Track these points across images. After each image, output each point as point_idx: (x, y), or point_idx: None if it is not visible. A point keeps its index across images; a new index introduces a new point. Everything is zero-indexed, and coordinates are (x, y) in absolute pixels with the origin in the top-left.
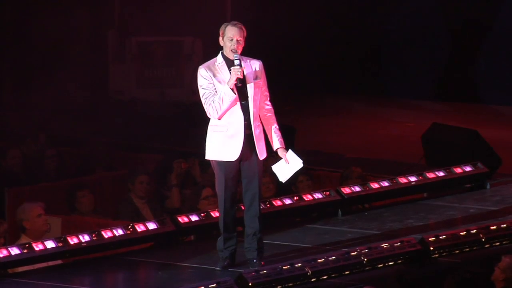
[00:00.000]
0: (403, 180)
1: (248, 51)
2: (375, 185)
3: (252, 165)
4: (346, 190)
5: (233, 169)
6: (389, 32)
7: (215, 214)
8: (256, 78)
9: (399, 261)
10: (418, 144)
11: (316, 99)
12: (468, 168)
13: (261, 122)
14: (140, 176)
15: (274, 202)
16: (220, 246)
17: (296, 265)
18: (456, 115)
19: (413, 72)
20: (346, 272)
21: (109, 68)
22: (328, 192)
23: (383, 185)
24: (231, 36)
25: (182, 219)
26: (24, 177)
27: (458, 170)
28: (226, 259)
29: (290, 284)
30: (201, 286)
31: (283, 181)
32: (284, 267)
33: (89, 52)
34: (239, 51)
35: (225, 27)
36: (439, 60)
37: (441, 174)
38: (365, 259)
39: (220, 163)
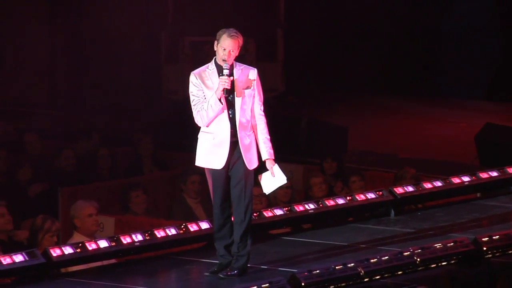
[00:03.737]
0: (456, 180)
1: (299, 51)
2: (428, 185)
3: (238, 174)
4: (399, 190)
5: (221, 177)
6: (443, 32)
7: (267, 214)
8: (247, 87)
9: (452, 261)
10: (471, 144)
11: (370, 99)
12: None
13: (254, 131)
14: (192, 176)
15: (327, 202)
16: (218, 251)
17: (349, 265)
18: (510, 115)
19: (467, 72)
20: (399, 272)
21: (162, 68)
22: (381, 192)
23: (436, 185)
24: (224, 47)
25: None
26: (77, 177)
27: None
28: (218, 265)
29: (343, 284)
30: (254, 286)
31: (267, 193)
32: (336, 267)
33: (142, 52)
34: (231, 61)
35: (221, 35)
36: (493, 60)
37: (495, 174)
38: (418, 259)
39: (209, 170)
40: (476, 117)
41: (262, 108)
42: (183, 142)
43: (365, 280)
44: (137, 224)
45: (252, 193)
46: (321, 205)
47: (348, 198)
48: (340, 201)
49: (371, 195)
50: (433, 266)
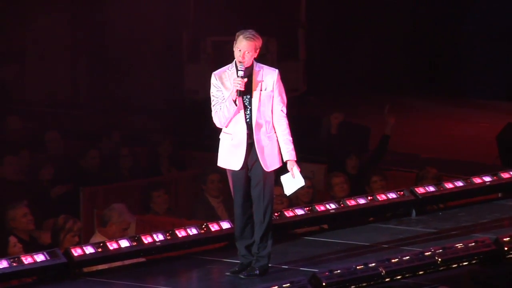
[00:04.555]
0: (477, 180)
1: (321, 50)
2: (449, 185)
3: (257, 175)
4: (420, 190)
5: (241, 178)
6: (465, 33)
7: (288, 213)
8: (265, 88)
9: (474, 261)
10: (493, 144)
11: (392, 99)
12: None
13: (275, 132)
14: (210, 175)
15: (348, 202)
16: (239, 250)
17: (370, 265)
18: None
19: (489, 72)
20: (420, 272)
21: (184, 67)
22: (402, 192)
23: (457, 185)
24: (239, 48)
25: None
26: (98, 177)
27: None
28: (240, 265)
29: (364, 284)
30: (275, 286)
31: (287, 194)
32: (358, 267)
33: (164, 52)
34: (249, 62)
35: (238, 36)
36: None
37: None
38: (439, 259)
39: (229, 171)
40: (498, 117)
41: (283, 109)
42: (204, 142)
43: (386, 280)
44: (158, 224)
45: (272, 194)
46: (342, 205)
47: (369, 198)
48: (361, 201)
49: (392, 195)
50: (454, 266)
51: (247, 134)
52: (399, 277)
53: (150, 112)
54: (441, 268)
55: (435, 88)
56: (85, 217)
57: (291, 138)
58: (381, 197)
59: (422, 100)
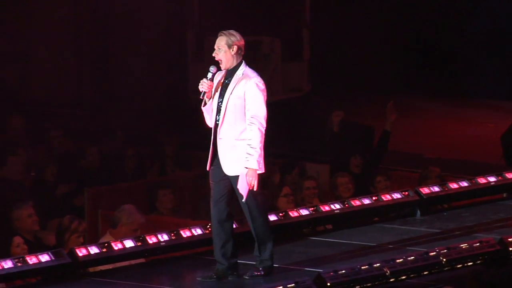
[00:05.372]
0: (482, 180)
1: (325, 51)
2: (454, 185)
3: (218, 180)
4: (425, 190)
5: (212, 177)
6: (469, 32)
7: (293, 214)
8: (236, 94)
9: (478, 262)
10: (497, 144)
11: (396, 99)
12: None
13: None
14: None
15: (352, 202)
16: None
17: (375, 265)
18: None
19: (494, 72)
20: (425, 272)
21: (188, 67)
22: (407, 192)
23: (462, 185)
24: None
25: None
26: (102, 177)
27: None
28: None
29: (369, 284)
30: (280, 286)
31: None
32: (362, 267)
33: (168, 52)
34: (228, 63)
35: None
36: None
37: None
38: (444, 260)
39: None
40: (503, 118)
41: (252, 119)
42: (209, 142)
43: (391, 280)
44: (162, 224)
45: (252, 197)
46: (346, 205)
47: (374, 198)
48: (366, 201)
49: (397, 195)
50: (459, 266)
51: (214, 136)
52: (404, 277)
53: (154, 112)
54: (446, 269)
55: (439, 88)
56: (89, 217)
57: (255, 147)
58: (386, 197)
59: (426, 100)
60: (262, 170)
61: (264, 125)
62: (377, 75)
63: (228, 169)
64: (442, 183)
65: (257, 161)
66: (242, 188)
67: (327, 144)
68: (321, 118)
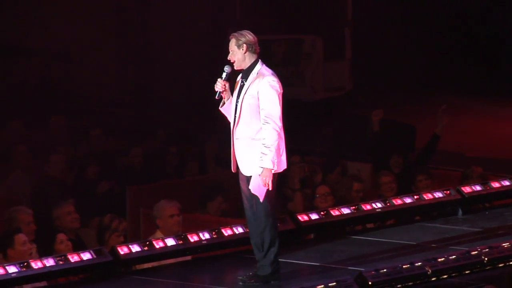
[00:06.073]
0: None
1: (367, 49)
2: (496, 184)
3: (243, 180)
4: (466, 189)
5: (240, 179)
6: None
7: (335, 212)
8: (251, 94)
9: None
10: None
11: (438, 98)
12: None
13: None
14: None
15: (394, 201)
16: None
17: (416, 264)
18: None
19: None
20: (467, 272)
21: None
22: (448, 191)
23: (504, 184)
24: None
25: (302, 218)
26: (144, 175)
27: None
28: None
29: (410, 283)
30: (321, 285)
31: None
32: (404, 266)
33: (210, 50)
34: (241, 63)
35: None
36: None
37: None
38: (486, 259)
39: None
40: None
41: (266, 118)
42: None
43: (433, 279)
44: (204, 223)
45: (265, 199)
46: (388, 204)
47: (415, 197)
48: (408, 200)
49: (438, 194)
50: (500, 265)
51: (232, 137)
52: (445, 276)
53: (196, 111)
54: (487, 268)
55: (481, 87)
56: (131, 215)
57: (269, 147)
58: (428, 196)
59: (468, 99)
60: (278, 169)
61: (279, 124)
62: (419, 73)
63: (245, 169)
64: (484, 182)
65: (272, 160)
66: (255, 188)
67: (368, 143)
68: (363, 116)
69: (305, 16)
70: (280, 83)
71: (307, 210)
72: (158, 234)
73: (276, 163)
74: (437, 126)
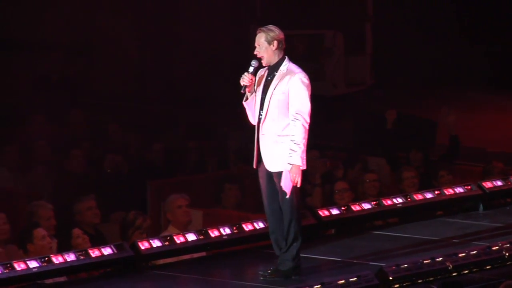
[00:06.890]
0: None
1: (388, 44)
2: None
3: (268, 176)
4: (487, 184)
5: (260, 176)
6: None
7: (355, 207)
8: (280, 90)
9: None
10: None
11: (459, 93)
12: None
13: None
14: None
15: (415, 196)
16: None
17: (437, 259)
18: None
19: None
20: (488, 267)
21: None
22: (469, 187)
23: None
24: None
25: (323, 213)
26: (165, 170)
27: None
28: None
29: (431, 278)
30: (342, 280)
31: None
32: (424, 261)
33: (231, 46)
34: (270, 59)
35: None
36: None
37: None
38: (507, 254)
39: None
40: None
41: (296, 114)
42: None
43: (453, 274)
44: (224, 218)
45: (291, 194)
46: (409, 199)
47: (436, 192)
48: (429, 195)
49: (459, 189)
50: None
51: (257, 133)
52: (466, 271)
53: (217, 105)
54: (509, 263)
55: (502, 82)
56: (152, 210)
57: (299, 143)
58: (449, 191)
59: (488, 94)
60: (304, 167)
61: (308, 121)
62: (440, 68)
63: (271, 165)
64: (505, 177)
65: (301, 157)
66: (286, 185)
67: (383, 140)
68: (384, 111)
69: (325, 11)
70: (309, 80)
71: (325, 205)
72: (171, 228)
73: (304, 160)
74: (448, 128)
